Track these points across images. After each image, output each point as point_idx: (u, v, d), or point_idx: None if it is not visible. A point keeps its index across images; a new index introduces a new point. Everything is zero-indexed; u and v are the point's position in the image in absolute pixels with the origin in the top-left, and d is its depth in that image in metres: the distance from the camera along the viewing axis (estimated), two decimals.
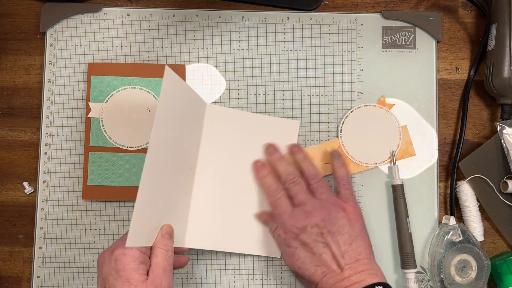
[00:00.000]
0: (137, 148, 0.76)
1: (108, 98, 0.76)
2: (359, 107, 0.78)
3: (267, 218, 0.73)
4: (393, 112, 0.78)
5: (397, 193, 0.75)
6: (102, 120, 0.76)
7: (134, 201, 0.75)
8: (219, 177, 0.74)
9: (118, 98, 0.76)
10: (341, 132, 0.77)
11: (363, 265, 0.65)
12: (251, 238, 0.74)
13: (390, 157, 0.76)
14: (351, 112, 0.77)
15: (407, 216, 0.74)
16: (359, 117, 0.78)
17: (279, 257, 0.75)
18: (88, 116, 0.76)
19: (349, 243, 0.66)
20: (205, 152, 0.74)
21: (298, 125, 0.77)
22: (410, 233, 0.74)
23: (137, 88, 0.76)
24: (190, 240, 0.72)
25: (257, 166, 0.74)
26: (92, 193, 0.75)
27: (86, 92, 0.77)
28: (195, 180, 0.73)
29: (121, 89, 0.76)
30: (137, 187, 0.74)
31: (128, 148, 0.76)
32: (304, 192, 0.70)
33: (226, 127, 0.75)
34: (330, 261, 0.65)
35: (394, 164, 0.76)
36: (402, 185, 0.75)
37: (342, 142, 0.77)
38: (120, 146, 0.75)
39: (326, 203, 0.69)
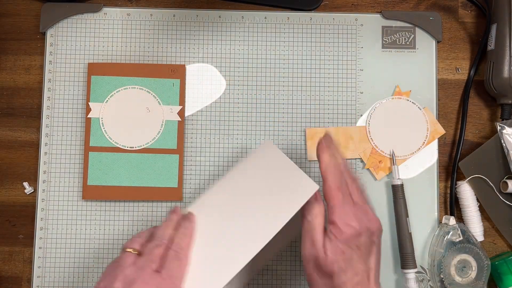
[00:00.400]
0: (137, 148, 0.76)
1: (108, 98, 0.76)
2: (379, 104, 0.78)
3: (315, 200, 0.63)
4: (411, 99, 0.78)
5: (397, 193, 0.75)
6: (102, 120, 0.76)
7: (134, 201, 0.75)
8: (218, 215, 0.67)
9: (118, 98, 0.76)
10: (369, 134, 0.77)
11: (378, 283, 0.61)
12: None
13: (390, 157, 0.77)
14: (374, 110, 0.77)
15: (407, 216, 0.74)
16: (382, 114, 0.78)
17: None
18: (88, 116, 0.76)
19: (379, 263, 0.62)
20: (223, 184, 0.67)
21: (315, 190, 0.66)
22: (410, 233, 0.74)
23: (137, 88, 0.76)
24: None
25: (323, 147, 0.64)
26: (92, 193, 0.75)
27: (86, 92, 0.77)
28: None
29: (121, 89, 0.76)
30: (136, 187, 0.75)
31: (128, 148, 0.76)
32: (362, 194, 0.64)
33: (258, 165, 0.69)
34: (367, 274, 0.60)
35: (394, 164, 0.76)
36: (402, 185, 0.75)
37: (374, 143, 0.77)
38: (120, 146, 0.76)
39: (375, 216, 0.63)
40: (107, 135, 0.76)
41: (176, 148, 0.76)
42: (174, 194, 0.75)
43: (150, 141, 0.76)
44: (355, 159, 0.77)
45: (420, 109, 0.78)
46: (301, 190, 0.65)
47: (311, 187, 0.65)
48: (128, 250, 0.60)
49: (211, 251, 0.63)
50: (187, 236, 0.62)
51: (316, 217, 0.62)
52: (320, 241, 0.61)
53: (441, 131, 0.77)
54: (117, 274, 0.58)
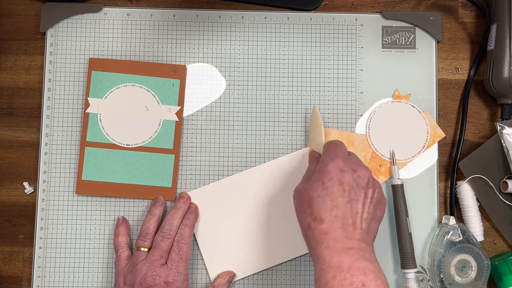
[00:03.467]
0: (133, 146, 0.76)
1: (108, 95, 0.76)
2: (379, 108, 0.77)
3: (322, 155, 0.69)
4: (411, 102, 0.78)
5: (397, 193, 0.75)
6: (100, 116, 0.76)
7: (134, 201, 0.75)
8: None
9: (117, 94, 0.76)
10: (370, 138, 0.77)
11: (370, 240, 0.64)
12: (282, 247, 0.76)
13: (391, 158, 0.77)
14: (374, 114, 0.77)
15: (407, 216, 0.74)
16: (381, 118, 0.78)
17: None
18: (86, 111, 0.76)
19: (372, 217, 0.64)
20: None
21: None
22: (410, 233, 0.74)
23: (137, 86, 0.76)
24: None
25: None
26: (86, 188, 0.75)
27: (86, 87, 0.77)
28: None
29: (121, 86, 0.76)
30: (130, 185, 0.75)
31: (125, 146, 0.76)
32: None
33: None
34: (350, 214, 0.62)
35: (394, 164, 0.76)
36: (402, 185, 0.75)
37: (374, 147, 0.77)
38: (117, 143, 0.76)
39: (366, 168, 0.68)
40: (104, 131, 0.76)
41: (172, 148, 0.76)
42: (167, 194, 0.75)
43: (147, 140, 0.76)
44: None
45: (420, 113, 0.77)
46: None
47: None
48: (142, 249, 0.71)
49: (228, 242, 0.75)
50: (188, 226, 0.72)
51: (314, 162, 0.69)
52: (309, 176, 0.67)
53: (441, 134, 0.77)
54: (132, 269, 0.69)
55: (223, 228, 0.75)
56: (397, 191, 0.75)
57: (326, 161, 0.65)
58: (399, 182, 0.75)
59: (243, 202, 0.75)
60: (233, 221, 0.75)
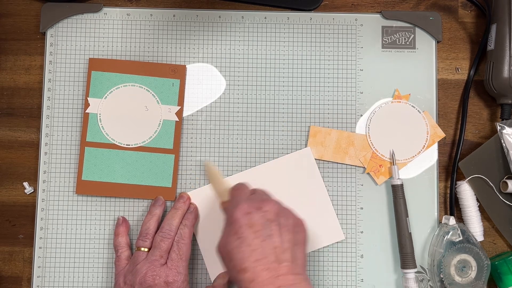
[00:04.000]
0: (133, 146, 0.76)
1: (107, 95, 0.76)
2: (379, 108, 0.77)
3: (228, 206, 0.69)
4: (411, 102, 0.78)
5: (397, 193, 0.75)
6: (100, 116, 0.76)
7: (134, 200, 0.76)
8: None
9: (117, 95, 0.76)
10: (370, 138, 0.77)
11: (300, 268, 0.62)
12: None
13: (391, 158, 0.77)
14: (374, 114, 0.77)
15: (407, 216, 0.74)
16: (381, 118, 0.78)
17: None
18: (86, 111, 0.76)
19: (293, 244, 0.63)
20: None
21: (341, 239, 0.77)
22: (410, 233, 0.74)
23: (137, 86, 0.76)
24: None
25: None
26: (86, 188, 0.75)
27: (86, 87, 0.77)
28: None
29: (121, 86, 0.76)
30: (130, 185, 0.75)
31: (125, 146, 0.76)
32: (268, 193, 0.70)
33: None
34: (270, 251, 0.61)
35: (394, 164, 0.76)
36: (402, 185, 0.75)
37: (374, 148, 0.77)
38: (117, 143, 0.76)
39: (272, 200, 0.67)
40: (104, 131, 0.76)
41: (172, 148, 0.76)
42: (167, 194, 0.75)
43: (147, 140, 0.76)
44: (355, 166, 0.77)
45: (420, 113, 0.77)
46: (329, 234, 0.76)
47: (338, 236, 0.76)
48: (142, 249, 0.72)
49: None
50: (187, 226, 0.73)
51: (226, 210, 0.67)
52: (224, 230, 0.65)
53: (441, 134, 0.77)
54: (132, 269, 0.70)
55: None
56: (397, 191, 0.75)
57: (231, 211, 0.65)
58: (399, 182, 0.75)
59: None
60: None
